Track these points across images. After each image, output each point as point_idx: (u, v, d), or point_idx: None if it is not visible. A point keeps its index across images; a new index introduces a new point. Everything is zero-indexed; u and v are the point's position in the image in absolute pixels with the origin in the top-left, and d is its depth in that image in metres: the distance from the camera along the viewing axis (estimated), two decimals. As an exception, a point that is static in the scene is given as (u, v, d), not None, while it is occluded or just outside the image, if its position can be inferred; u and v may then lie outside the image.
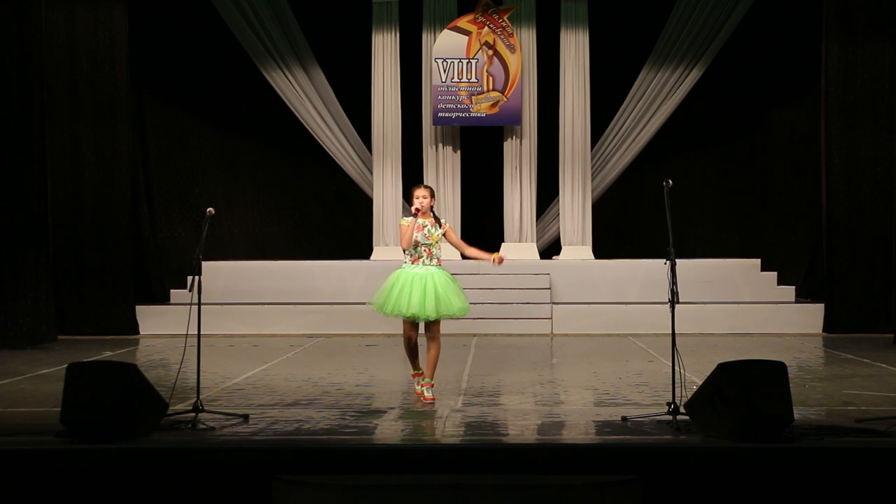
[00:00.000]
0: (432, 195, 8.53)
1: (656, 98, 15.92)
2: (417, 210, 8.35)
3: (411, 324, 8.40)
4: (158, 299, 15.32)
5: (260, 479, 6.06)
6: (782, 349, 12.31)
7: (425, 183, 15.32)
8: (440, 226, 8.48)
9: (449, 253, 9.23)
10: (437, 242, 8.43)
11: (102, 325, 14.09)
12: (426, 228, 8.39)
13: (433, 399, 8.41)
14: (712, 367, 6.81)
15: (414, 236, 8.34)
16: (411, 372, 8.68)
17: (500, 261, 8.46)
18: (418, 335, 8.49)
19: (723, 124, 16.88)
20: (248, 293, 14.90)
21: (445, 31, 15.48)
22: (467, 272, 13.28)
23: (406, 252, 8.43)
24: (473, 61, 15.43)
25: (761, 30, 16.13)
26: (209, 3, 15.52)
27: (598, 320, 14.32)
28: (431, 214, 8.50)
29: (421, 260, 8.40)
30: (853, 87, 14.28)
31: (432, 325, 8.37)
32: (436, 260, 8.43)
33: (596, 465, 6.21)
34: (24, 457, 6.30)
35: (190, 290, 7.50)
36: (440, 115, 15.48)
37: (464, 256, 9.14)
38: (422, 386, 8.50)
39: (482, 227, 16.23)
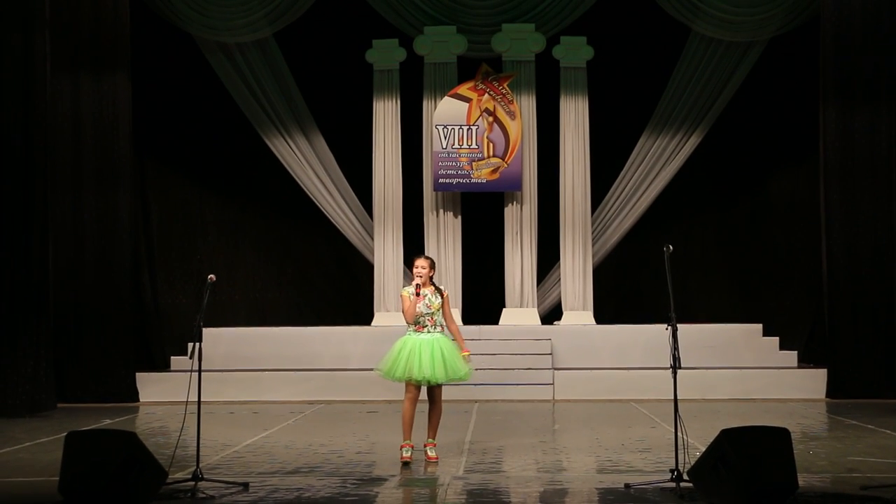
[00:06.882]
0: (432, 266, 8.85)
1: (656, 164, 16.02)
2: (419, 286, 8.60)
3: (416, 389, 8.64)
4: (159, 366, 15.27)
5: (260, 549, 6.00)
6: (785, 415, 12.25)
7: (426, 249, 15.45)
8: (440, 294, 8.76)
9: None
10: (438, 310, 8.71)
11: (102, 393, 13.99)
12: (427, 298, 8.70)
13: (437, 458, 8.70)
14: (715, 433, 6.78)
15: (417, 309, 8.61)
16: (403, 441, 8.71)
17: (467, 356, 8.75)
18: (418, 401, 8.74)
19: (722, 189, 16.96)
20: (249, 360, 14.84)
21: (446, 97, 15.62)
22: (468, 337, 13.00)
23: (409, 324, 8.68)
24: (474, 128, 15.54)
25: (759, 96, 16.28)
26: (211, 71, 15.70)
27: (600, 386, 14.24)
28: (431, 283, 8.80)
29: (426, 329, 8.70)
30: (851, 153, 14.34)
31: (435, 389, 8.71)
32: (439, 327, 8.76)
33: (599, 533, 6.16)
34: (22, 527, 6.25)
35: (191, 357, 7.49)
36: (441, 180, 15.56)
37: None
38: (425, 446, 8.81)
39: (483, 293, 16.22)
